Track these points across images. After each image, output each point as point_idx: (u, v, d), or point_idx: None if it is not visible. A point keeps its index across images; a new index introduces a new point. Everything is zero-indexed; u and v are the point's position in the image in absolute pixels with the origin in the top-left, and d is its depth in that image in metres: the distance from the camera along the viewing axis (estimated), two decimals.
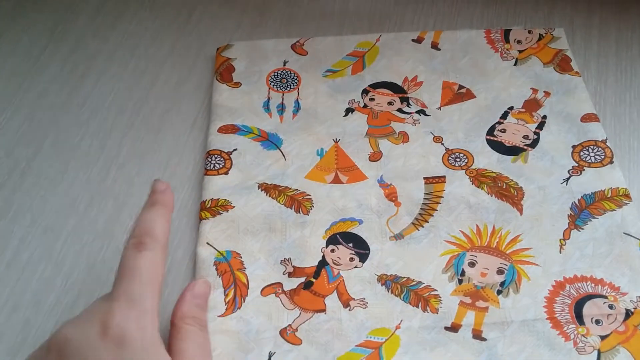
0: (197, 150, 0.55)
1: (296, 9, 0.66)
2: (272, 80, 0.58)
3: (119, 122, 0.58)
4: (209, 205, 0.50)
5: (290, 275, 0.47)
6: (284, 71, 0.59)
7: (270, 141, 0.54)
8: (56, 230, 0.51)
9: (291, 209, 0.50)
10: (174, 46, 0.63)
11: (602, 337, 0.43)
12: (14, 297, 0.47)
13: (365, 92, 0.57)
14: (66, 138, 0.57)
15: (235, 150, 0.53)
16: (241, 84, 0.58)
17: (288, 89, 0.58)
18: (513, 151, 0.53)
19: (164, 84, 0.60)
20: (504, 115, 0.55)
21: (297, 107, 0.56)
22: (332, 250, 0.48)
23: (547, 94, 0.56)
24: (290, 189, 0.51)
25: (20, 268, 0.49)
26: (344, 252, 0.48)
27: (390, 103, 0.56)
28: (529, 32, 0.59)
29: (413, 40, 0.60)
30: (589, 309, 0.45)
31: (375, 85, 0.58)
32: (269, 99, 0.57)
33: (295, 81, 0.58)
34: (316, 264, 0.47)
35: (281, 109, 0.56)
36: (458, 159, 0.52)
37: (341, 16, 0.65)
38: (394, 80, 0.58)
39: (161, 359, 0.36)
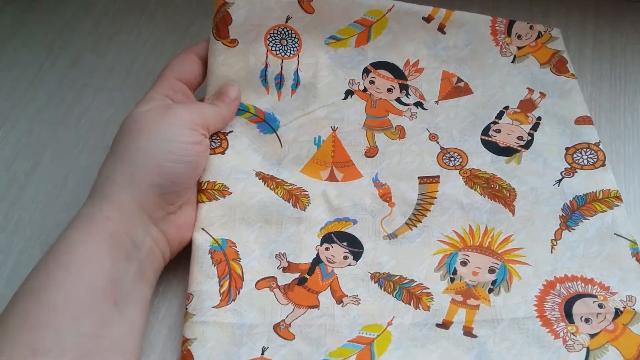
0: None
1: None
2: (271, 39, 0.53)
3: None
4: (205, 187, 0.50)
5: (284, 270, 0.47)
6: (285, 29, 0.54)
7: (266, 123, 0.53)
8: None
9: (289, 202, 0.50)
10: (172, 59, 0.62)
11: (592, 336, 0.44)
12: None
13: (366, 71, 0.56)
14: (65, 152, 0.57)
15: (231, 132, 0.52)
16: (238, 42, 0.53)
17: (288, 54, 0.54)
18: (507, 152, 0.53)
19: None
20: (499, 115, 0.55)
21: (296, 82, 0.54)
22: (327, 249, 0.49)
23: (542, 95, 0.56)
24: (287, 182, 0.51)
25: (20, 282, 0.47)
26: (338, 251, 0.49)
27: (389, 90, 0.56)
28: (531, 27, 0.59)
29: (423, 18, 0.57)
30: (578, 308, 0.46)
31: (377, 65, 0.57)
32: (266, 66, 0.54)
33: (296, 45, 0.55)
34: (310, 260, 0.48)
35: (279, 81, 0.54)
36: (452, 159, 0.53)
37: None
38: (396, 62, 0.57)
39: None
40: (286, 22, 0.54)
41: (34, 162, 0.56)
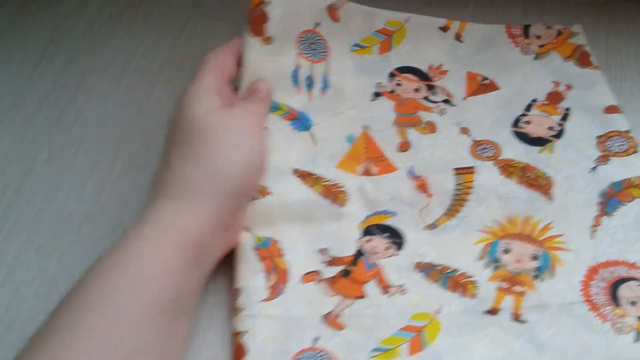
0: None
1: None
2: (301, 42, 0.55)
3: (113, 137, 0.56)
4: None
5: (328, 264, 0.47)
6: (314, 35, 0.56)
7: (299, 121, 0.53)
8: (51, 248, 0.50)
9: (327, 199, 0.50)
10: (167, 60, 0.62)
11: (639, 318, 0.44)
12: (8, 317, 0.46)
13: (392, 75, 0.57)
14: (59, 155, 0.55)
15: (265, 127, 0.52)
16: (272, 40, 0.54)
17: (317, 58, 0.56)
18: (539, 142, 0.54)
19: (158, 99, 0.59)
20: (528, 108, 0.56)
21: (325, 85, 0.55)
22: (368, 241, 0.48)
23: (568, 87, 0.57)
24: (324, 179, 0.51)
25: (15, 287, 0.47)
26: (379, 242, 0.48)
27: (416, 90, 0.57)
28: (548, 27, 0.61)
29: (440, 27, 0.60)
30: (623, 292, 0.46)
31: (402, 70, 0.58)
32: (297, 67, 0.54)
33: (324, 51, 0.56)
34: (353, 253, 0.48)
35: (310, 83, 0.55)
36: (485, 150, 0.53)
37: None
38: (420, 67, 0.58)
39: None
40: (315, 27, 0.56)
41: (28, 165, 0.55)
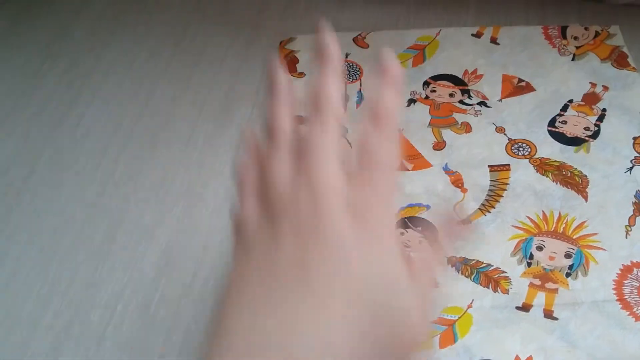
0: (193, 166, 0.55)
1: (290, 23, 0.66)
2: None
3: (114, 139, 0.57)
4: None
5: None
6: (346, 63, 0.60)
7: None
8: (52, 249, 0.50)
9: None
10: (169, 63, 0.63)
11: None
12: (10, 318, 0.47)
13: (426, 84, 0.58)
14: (61, 157, 0.56)
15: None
16: (305, 74, 0.59)
17: (350, 79, 0.59)
18: (575, 142, 0.54)
19: (160, 101, 0.60)
20: (564, 108, 0.56)
21: (360, 98, 0.58)
22: (402, 234, 0.49)
23: (605, 88, 0.57)
24: None
25: (17, 288, 0.48)
26: (413, 235, 0.49)
27: (451, 95, 0.57)
28: (586, 29, 0.61)
29: (472, 34, 0.62)
30: None
31: (436, 78, 0.59)
32: None
33: (358, 72, 0.60)
34: None
35: (345, 99, 0.57)
36: (521, 149, 0.53)
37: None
38: (454, 73, 0.59)
39: None
40: (346, 57, 0.60)
41: (30, 167, 0.55)
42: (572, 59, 0.59)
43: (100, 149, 0.56)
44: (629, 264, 0.47)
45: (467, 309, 0.45)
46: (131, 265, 0.49)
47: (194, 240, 0.50)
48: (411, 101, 0.58)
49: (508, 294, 0.46)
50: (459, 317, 0.45)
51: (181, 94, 0.60)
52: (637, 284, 0.46)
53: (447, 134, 0.55)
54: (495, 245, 0.48)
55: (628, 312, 0.45)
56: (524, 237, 0.49)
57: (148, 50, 0.64)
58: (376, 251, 0.29)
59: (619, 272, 0.47)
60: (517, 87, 0.58)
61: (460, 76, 0.59)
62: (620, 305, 0.45)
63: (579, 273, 0.47)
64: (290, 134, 0.33)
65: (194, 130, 0.57)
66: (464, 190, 0.51)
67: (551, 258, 0.48)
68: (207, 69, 0.62)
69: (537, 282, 0.46)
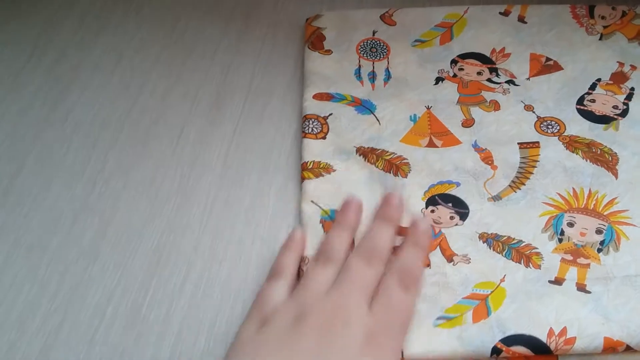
0: (183, 162, 0.54)
1: (282, 15, 0.65)
2: (362, 49, 0.60)
3: (104, 135, 0.56)
4: (310, 167, 0.52)
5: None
6: (374, 41, 0.60)
7: (364, 106, 0.55)
8: (41, 249, 0.49)
9: (390, 173, 0.51)
10: (159, 56, 0.62)
11: None
12: None
13: (454, 62, 0.59)
14: (50, 153, 0.55)
15: (330, 114, 0.55)
16: (332, 52, 0.59)
17: (378, 57, 0.59)
18: (604, 120, 0.54)
19: (150, 95, 0.59)
20: (593, 87, 0.56)
21: (388, 76, 0.58)
22: (432, 211, 0.49)
23: (633, 67, 0.57)
24: (387, 152, 0.52)
25: (5, 289, 0.47)
26: (444, 212, 0.49)
27: (479, 73, 0.57)
28: (613, 8, 0.61)
29: (500, 13, 0.62)
30: None
31: (464, 56, 0.59)
32: (359, 67, 0.59)
33: (385, 50, 0.60)
34: None
35: (372, 77, 0.58)
36: (550, 126, 0.53)
37: None
38: (482, 51, 0.59)
39: None
40: (373, 35, 0.60)
41: (18, 164, 0.54)
42: (600, 39, 0.59)
43: (89, 145, 0.55)
44: None
45: (499, 283, 0.46)
46: (122, 264, 0.49)
47: (185, 239, 0.50)
48: (439, 79, 0.58)
49: (540, 269, 0.46)
50: (492, 291, 0.45)
51: (172, 88, 0.59)
52: None
53: (476, 112, 0.55)
54: (526, 221, 0.49)
55: None
56: (554, 214, 0.49)
57: (137, 43, 0.63)
58: None
59: None
60: (544, 66, 0.58)
61: (488, 54, 0.59)
62: None
63: (611, 249, 0.47)
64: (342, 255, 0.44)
65: (185, 125, 0.57)
66: (494, 168, 0.51)
67: (582, 234, 0.48)
68: (199, 62, 0.61)
69: (569, 257, 0.47)
